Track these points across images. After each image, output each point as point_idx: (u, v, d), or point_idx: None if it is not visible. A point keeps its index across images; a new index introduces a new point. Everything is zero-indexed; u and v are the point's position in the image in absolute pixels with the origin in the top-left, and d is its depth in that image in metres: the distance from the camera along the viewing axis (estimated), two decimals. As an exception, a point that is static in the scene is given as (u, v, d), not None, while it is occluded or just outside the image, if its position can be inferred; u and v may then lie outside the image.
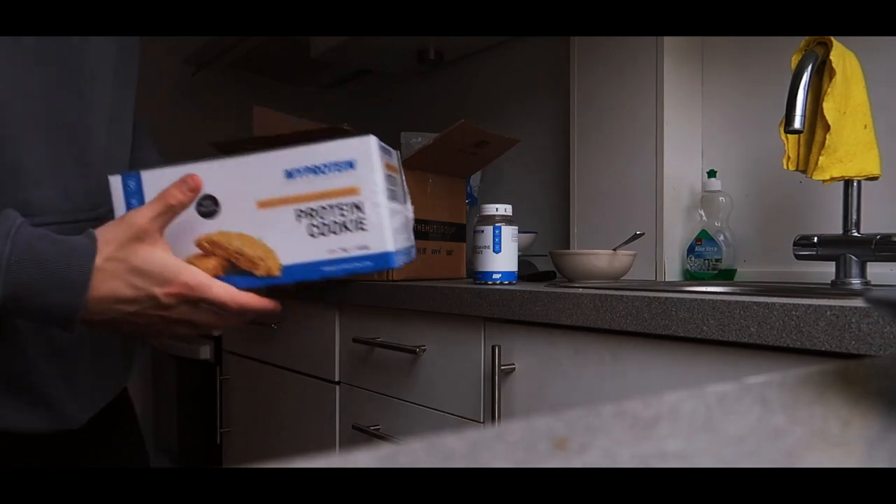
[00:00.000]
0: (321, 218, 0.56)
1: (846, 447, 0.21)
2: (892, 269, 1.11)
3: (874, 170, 1.00)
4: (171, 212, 0.56)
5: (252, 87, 2.41)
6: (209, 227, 0.57)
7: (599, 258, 1.12)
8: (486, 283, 1.06)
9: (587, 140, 1.49)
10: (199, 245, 0.57)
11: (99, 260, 0.55)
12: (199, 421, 1.77)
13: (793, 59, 1.00)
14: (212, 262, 0.56)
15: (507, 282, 1.07)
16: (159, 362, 2.03)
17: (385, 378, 1.17)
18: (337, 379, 1.29)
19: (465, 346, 1.01)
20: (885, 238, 0.98)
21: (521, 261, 1.25)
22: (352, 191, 0.56)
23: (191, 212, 0.57)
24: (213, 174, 0.57)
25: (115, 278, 0.55)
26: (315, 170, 0.56)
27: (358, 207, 0.56)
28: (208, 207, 0.57)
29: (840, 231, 1.04)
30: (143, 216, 0.56)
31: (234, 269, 0.56)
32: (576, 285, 1.02)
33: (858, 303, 0.60)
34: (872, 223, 1.09)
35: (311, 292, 1.33)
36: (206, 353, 1.72)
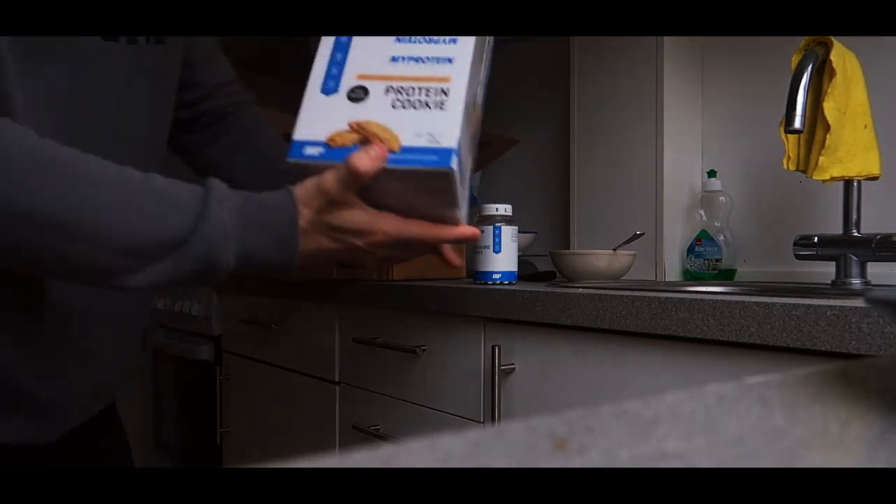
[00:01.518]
0: (407, 95, 0.62)
1: (846, 447, 0.21)
2: (892, 269, 1.11)
3: (874, 170, 1.00)
4: (359, 182, 0.59)
5: (253, 86, 2.41)
6: (357, 111, 0.62)
7: (599, 258, 1.12)
8: (486, 283, 1.06)
9: (587, 140, 1.49)
10: (349, 125, 0.62)
11: (301, 222, 0.60)
12: (199, 421, 1.77)
13: (793, 59, 1.00)
14: (354, 136, 0.61)
15: (507, 282, 1.07)
16: (159, 362, 2.03)
17: (385, 378, 1.17)
18: (337, 379, 1.29)
19: (465, 346, 1.01)
20: (885, 238, 0.98)
21: (521, 261, 1.25)
22: (443, 79, 0.63)
23: (344, 101, 0.62)
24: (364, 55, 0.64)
25: (319, 234, 0.61)
26: (418, 59, 0.64)
27: (444, 92, 0.63)
28: (358, 94, 0.63)
29: (840, 231, 1.04)
30: (334, 186, 0.59)
31: (366, 143, 0.61)
32: (576, 285, 1.02)
33: (858, 303, 0.60)
34: (872, 223, 1.09)
35: (312, 292, 1.33)
36: (206, 353, 1.72)
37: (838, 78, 0.97)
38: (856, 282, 1.01)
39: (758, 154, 1.32)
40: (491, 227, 1.07)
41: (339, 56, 0.64)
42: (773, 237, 1.29)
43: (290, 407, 1.44)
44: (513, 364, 0.93)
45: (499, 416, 0.92)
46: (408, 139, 0.60)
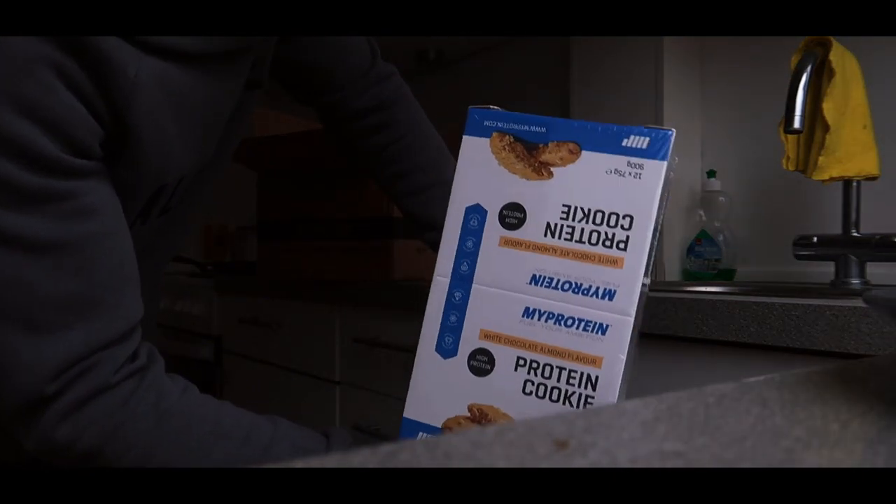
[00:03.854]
0: (543, 376, 0.49)
1: (846, 447, 0.21)
2: (891, 269, 1.11)
3: (873, 170, 1.00)
4: None
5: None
6: (480, 390, 0.51)
7: (599, 258, 1.12)
8: (485, 283, 1.06)
9: (587, 140, 1.48)
10: (470, 409, 0.51)
11: None
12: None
13: (792, 59, 1.00)
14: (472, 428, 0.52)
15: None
16: (159, 362, 2.03)
17: (385, 378, 1.17)
18: (337, 379, 1.29)
19: (465, 346, 1.01)
20: (885, 238, 0.98)
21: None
22: (593, 362, 0.48)
23: (465, 371, 0.51)
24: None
25: None
26: (559, 319, 0.49)
27: (592, 384, 0.48)
28: (481, 363, 0.51)
29: (839, 231, 1.04)
30: None
31: None
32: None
33: (858, 303, 0.60)
34: (872, 223, 1.09)
35: (312, 292, 1.33)
36: (206, 353, 1.71)
37: (837, 78, 0.97)
38: (855, 282, 1.01)
39: (757, 154, 1.32)
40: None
41: (457, 295, 0.52)
42: (772, 237, 1.29)
43: (290, 407, 1.44)
44: (512, 364, 0.93)
45: (498, 416, 0.92)
46: None
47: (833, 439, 0.22)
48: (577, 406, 0.48)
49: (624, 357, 0.48)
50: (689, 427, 0.23)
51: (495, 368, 0.50)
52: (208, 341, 1.72)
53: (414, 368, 0.53)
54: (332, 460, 0.18)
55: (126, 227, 0.56)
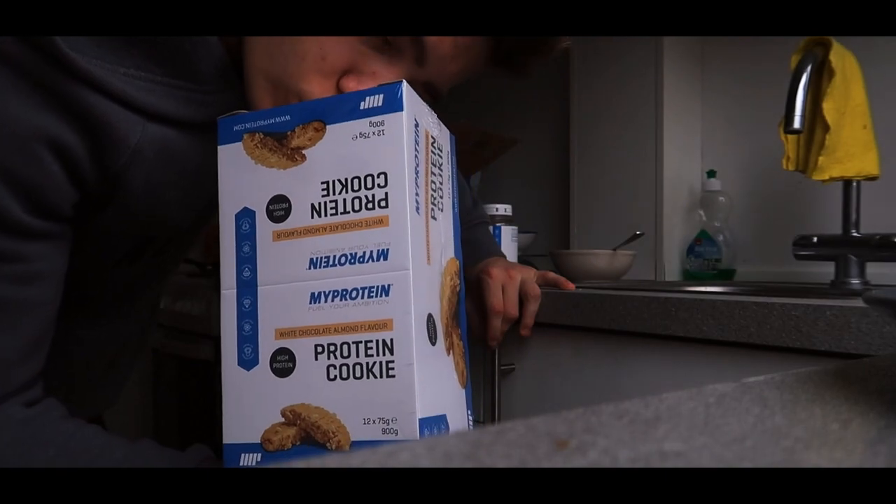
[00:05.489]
0: (342, 357, 0.48)
1: (846, 447, 0.21)
2: (891, 269, 1.12)
3: (873, 170, 1.00)
4: None
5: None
6: (288, 390, 0.50)
7: (599, 258, 1.12)
8: (485, 283, 1.06)
9: (587, 140, 1.49)
10: (283, 414, 0.50)
11: None
12: (199, 421, 1.77)
13: (792, 59, 1.00)
14: (292, 431, 0.50)
15: (506, 282, 1.07)
16: (159, 362, 2.03)
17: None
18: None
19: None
20: (885, 238, 0.98)
21: (521, 261, 1.25)
22: (383, 326, 0.47)
23: (270, 376, 0.50)
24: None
25: None
26: (343, 295, 0.48)
27: (388, 348, 0.47)
28: (283, 363, 0.50)
29: (839, 231, 1.04)
30: None
31: (310, 440, 0.49)
32: (576, 285, 1.02)
33: (857, 303, 0.60)
34: (872, 223, 1.09)
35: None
36: (206, 353, 1.71)
37: (837, 78, 0.97)
38: (855, 282, 1.01)
39: (757, 154, 1.32)
40: (491, 227, 1.07)
41: (246, 303, 0.51)
42: (772, 237, 1.29)
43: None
44: (513, 364, 0.93)
45: (499, 416, 0.92)
46: (356, 430, 0.47)
47: (833, 439, 0.22)
48: (380, 376, 0.47)
49: (412, 311, 0.46)
50: (689, 427, 0.23)
51: (297, 364, 0.49)
52: (208, 341, 1.72)
53: (223, 391, 0.51)
54: (333, 460, 0.18)
55: (59, 297, 0.55)
